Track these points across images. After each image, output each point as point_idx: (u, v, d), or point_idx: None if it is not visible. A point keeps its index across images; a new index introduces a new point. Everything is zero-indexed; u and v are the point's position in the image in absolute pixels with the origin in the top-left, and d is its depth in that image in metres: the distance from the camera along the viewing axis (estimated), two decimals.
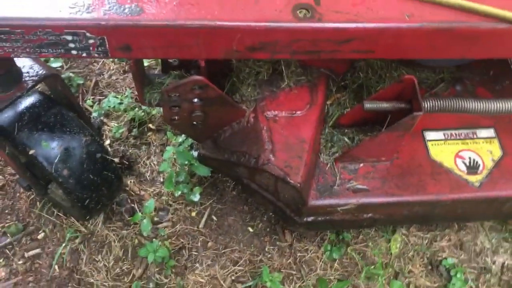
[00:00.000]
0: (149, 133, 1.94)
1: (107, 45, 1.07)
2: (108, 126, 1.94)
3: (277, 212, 1.51)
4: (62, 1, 1.03)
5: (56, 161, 1.31)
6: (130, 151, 1.88)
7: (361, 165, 1.40)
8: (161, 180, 1.83)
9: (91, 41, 1.05)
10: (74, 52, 1.08)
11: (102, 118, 1.95)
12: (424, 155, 1.44)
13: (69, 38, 1.04)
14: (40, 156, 1.31)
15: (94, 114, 1.95)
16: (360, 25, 1.06)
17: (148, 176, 1.83)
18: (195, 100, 1.26)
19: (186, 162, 1.64)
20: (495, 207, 1.47)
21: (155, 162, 1.86)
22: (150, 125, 1.95)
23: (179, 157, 1.65)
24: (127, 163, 1.83)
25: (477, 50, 1.16)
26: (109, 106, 1.96)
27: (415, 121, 1.23)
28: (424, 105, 1.27)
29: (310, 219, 1.42)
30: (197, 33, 1.05)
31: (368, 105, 1.27)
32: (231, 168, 1.44)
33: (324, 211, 1.38)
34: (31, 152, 1.30)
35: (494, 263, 1.72)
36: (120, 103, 1.96)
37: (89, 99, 2.03)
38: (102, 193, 1.45)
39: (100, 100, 2.04)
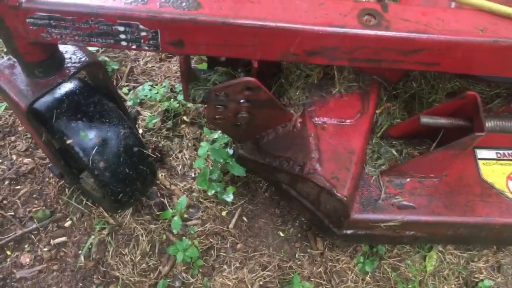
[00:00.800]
0: (183, 126, 1.89)
1: (159, 39, 1.02)
2: (141, 115, 1.89)
3: (314, 221, 1.45)
4: None
5: (93, 152, 1.26)
6: (162, 142, 1.84)
7: (408, 180, 1.34)
8: (192, 175, 1.78)
9: (143, 33, 1.00)
10: (123, 43, 1.03)
11: (137, 107, 1.90)
12: (475, 174, 1.37)
13: (121, 29, 0.99)
14: (77, 146, 1.26)
15: (129, 103, 1.90)
16: (430, 36, 0.99)
17: (180, 170, 1.79)
18: (242, 100, 1.20)
19: (221, 160, 1.58)
20: None
21: (187, 156, 1.81)
22: (184, 118, 1.90)
23: (214, 155, 1.59)
24: (159, 155, 1.78)
25: None
26: (145, 96, 1.91)
27: (474, 142, 1.16)
28: (487, 125, 1.19)
29: (349, 232, 1.36)
30: (256, 33, 0.99)
31: (424, 119, 1.20)
32: (271, 172, 1.38)
33: (366, 225, 1.31)
34: (68, 141, 1.25)
35: None
36: (156, 93, 1.91)
37: (125, 86, 1.98)
38: (136, 187, 1.40)
39: (134, 88, 1.99)
